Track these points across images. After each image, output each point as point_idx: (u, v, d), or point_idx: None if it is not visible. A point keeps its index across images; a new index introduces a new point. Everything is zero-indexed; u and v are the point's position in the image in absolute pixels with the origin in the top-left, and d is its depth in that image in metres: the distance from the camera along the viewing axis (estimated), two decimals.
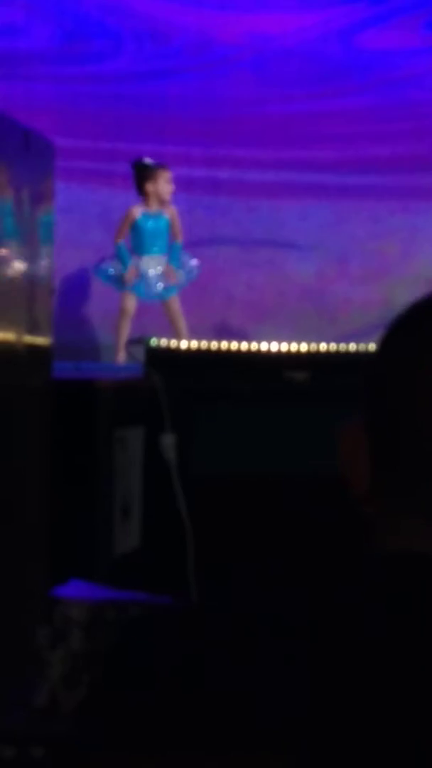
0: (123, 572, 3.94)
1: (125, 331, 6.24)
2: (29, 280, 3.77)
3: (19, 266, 3.67)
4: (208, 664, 0.92)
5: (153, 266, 6.50)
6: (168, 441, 4.28)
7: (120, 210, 8.00)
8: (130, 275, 6.50)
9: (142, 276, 6.48)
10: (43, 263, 3.92)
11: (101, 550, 4.00)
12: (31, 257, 3.81)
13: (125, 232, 6.64)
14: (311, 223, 8.18)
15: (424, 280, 7.47)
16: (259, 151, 8.13)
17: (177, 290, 6.58)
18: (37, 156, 3.83)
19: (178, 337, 5.92)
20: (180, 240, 6.62)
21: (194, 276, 6.67)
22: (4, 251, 3.57)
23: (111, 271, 6.60)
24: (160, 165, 6.64)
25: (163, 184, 6.58)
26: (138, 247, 6.56)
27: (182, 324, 6.49)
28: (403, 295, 7.59)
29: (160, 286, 6.48)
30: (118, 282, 6.58)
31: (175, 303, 6.59)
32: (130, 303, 6.56)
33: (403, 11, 8.36)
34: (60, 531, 3.75)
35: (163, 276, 6.50)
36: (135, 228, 6.57)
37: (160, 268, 6.51)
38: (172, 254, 6.54)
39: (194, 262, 6.69)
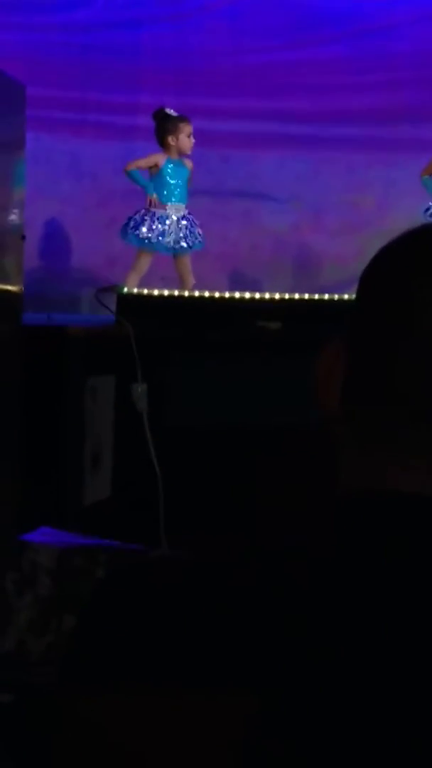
0: (93, 521, 3.93)
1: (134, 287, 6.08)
2: None
3: None
4: (182, 607, 0.92)
5: (176, 214, 6.42)
6: (139, 390, 4.26)
7: (90, 161, 7.93)
8: (153, 199, 6.40)
9: (164, 226, 6.37)
10: (14, 210, 3.87)
11: (71, 499, 3.99)
12: (1, 204, 3.76)
13: (141, 166, 6.51)
14: (287, 174, 8.13)
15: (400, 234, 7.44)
16: (233, 101, 8.07)
17: (194, 248, 6.47)
18: (7, 99, 3.77)
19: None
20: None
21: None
22: None
23: (132, 224, 6.46)
24: (182, 118, 6.48)
25: (185, 139, 6.45)
26: (162, 195, 6.46)
27: (191, 280, 6.39)
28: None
29: (181, 242, 6.38)
30: (138, 238, 6.42)
31: (187, 259, 6.50)
32: (144, 262, 6.45)
33: None
34: (30, 479, 3.74)
35: (187, 226, 6.42)
36: (160, 175, 6.46)
37: (181, 216, 6.42)
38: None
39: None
